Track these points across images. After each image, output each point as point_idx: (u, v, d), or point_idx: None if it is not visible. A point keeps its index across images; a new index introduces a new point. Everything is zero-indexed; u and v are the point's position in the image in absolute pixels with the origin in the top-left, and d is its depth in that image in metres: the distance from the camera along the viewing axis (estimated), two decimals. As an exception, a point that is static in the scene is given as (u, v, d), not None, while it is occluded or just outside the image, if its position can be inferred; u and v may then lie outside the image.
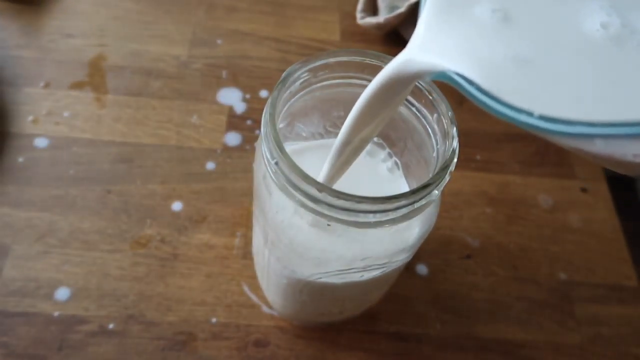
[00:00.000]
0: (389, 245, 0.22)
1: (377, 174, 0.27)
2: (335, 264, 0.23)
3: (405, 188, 0.27)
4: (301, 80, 0.22)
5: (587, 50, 0.14)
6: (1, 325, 0.31)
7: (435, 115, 0.22)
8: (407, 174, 0.27)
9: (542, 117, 0.12)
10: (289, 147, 0.27)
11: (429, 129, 0.22)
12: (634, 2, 0.14)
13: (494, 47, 0.14)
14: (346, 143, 0.21)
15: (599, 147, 0.12)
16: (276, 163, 0.19)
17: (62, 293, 0.33)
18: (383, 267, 0.24)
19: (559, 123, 0.12)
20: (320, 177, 0.23)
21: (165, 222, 0.36)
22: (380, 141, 0.27)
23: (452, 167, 0.20)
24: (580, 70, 0.13)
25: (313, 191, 0.19)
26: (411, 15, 0.43)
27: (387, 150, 0.27)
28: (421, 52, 0.16)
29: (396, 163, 0.27)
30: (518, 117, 0.13)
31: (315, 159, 0.23)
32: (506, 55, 0.14)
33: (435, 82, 0.21)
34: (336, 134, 0.21)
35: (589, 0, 0.14)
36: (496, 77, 0.14)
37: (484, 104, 0.14)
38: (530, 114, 0.13)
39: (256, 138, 0.40)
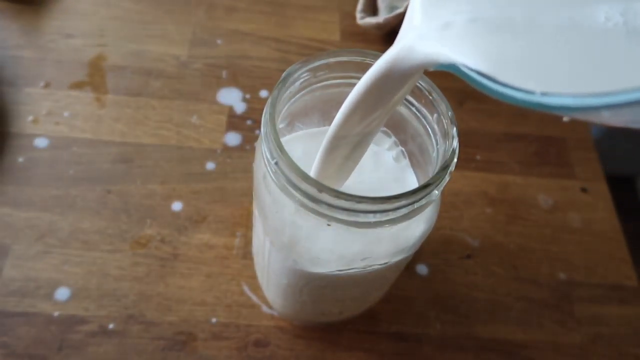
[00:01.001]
0: (389, 245, 0.22)
1: (383, 162, 0.26)
2: (335, 263, 0.23)
3: (412, 178, 0.26)
4: (301, 80, 0.22)
5: (579, 29, 0.14)
6: (1, 325, 0.31)
7: (435, 115, 0.22)
8: (414, 163, 0.26)
9: (545, 94, 0.13)
10: (292, 135, 0.26)
11: (429, 129, 0.22)
12: None
13: (493, 32, 0.14)
14: (338, 138, 0.21)
15: (608, 118, 0.12)
16: (276, 163, 0.19)
17: (62, 293, 0.33)
18: (383, 267, 0.24)
19: (561, 98, 0.12)
20: (312, 171, 0.22)
21: (165, 222, 0.36)
22: (385, 128, 0.27)
23: (452, 167, 0.20)
24: (575, 48, 0.14)
25: (313, 191, 0.19)
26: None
27: (393, 138, 0.27)
28: (422, 41, 0.16)
29: (402, 152, 0.27)
30: (524, 97, 0.13)
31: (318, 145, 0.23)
32: (504, 39, 0.14)
33: (434, 81, 0.21)
34: None
35: None
36: (498, 61, 0.14)
37: (489, 88, 0.14)
38: (532, 92, 0.13)
39: (256, 138, 0.40)
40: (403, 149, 0.26)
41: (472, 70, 0.14)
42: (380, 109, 0.19)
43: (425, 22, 0.16)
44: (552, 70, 0.13)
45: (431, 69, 0.16)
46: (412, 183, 0.26)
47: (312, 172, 0.23)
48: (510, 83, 0.13)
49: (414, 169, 0.26)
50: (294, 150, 0.25)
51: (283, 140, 0.25)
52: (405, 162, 0.26)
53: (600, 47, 0.13)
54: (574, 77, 0.13)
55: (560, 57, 0.14)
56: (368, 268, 0.23)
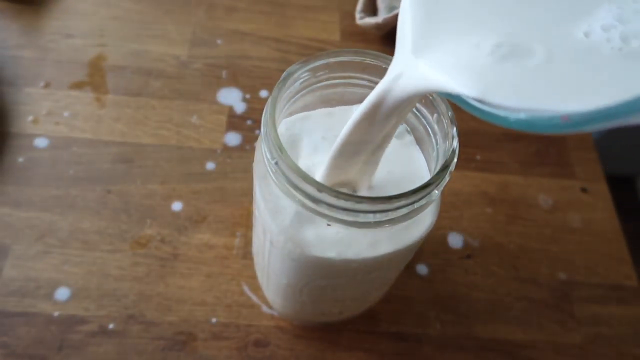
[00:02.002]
0: (388, 245, 0.22)
1: None
2: (335, 263, 0.23)
3: (419, 157, 0.25)
4: (301, 80, 0.22)
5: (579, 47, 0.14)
6: (1, 325, 0.31)
7: (435, 115, 0.22)
8: (418, 140, 0.25)
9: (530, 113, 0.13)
10: (297, 115, 0.26)
11: (429, 129, 0.22)
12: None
13: (484, 57, 0.15)
14: (347, 144, 0.21)
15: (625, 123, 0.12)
16: (276, 163, 0.19)
17: (62, 293, 0.33)
18: (383, 267, 0.24)
19: (549, 116, 0.13)
20: (319, 175, 0.22)
21: (165, 222, 0.36)
22: None
23: (452, 167, 0.20)
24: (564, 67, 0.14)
25: (313, 191, 0.19)
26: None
27: None
28: (419, 68, 0.16)
29: (407, 130, 0.26)
30: (508, 116, 0.13)
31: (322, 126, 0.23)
32: (498, 64, 0.14)
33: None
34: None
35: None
36: (488, 84, 0.14)
37: (487, 113, 0.14)
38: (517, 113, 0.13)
39: (256, 138, 0.40)
40: (408, 126, 0.26)
41: (469, 97, 0.14)
42: (384, 127, 0.20)
43: (415, 50, 0.16)
44: (541, 90, 0.14)
45: (435, 96, 0.16)
46: (420, 160, 0.25)
47: (318, 177, 0.22)
48: (501, 104, 0.14)
49: (419, 146, 0.25)
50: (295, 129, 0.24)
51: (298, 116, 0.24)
52: (410, 138, 0.25)
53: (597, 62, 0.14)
54: (585, 93, 0.13)
55: (551, 78, 0.14)
56: (368, 268, 0.23)
